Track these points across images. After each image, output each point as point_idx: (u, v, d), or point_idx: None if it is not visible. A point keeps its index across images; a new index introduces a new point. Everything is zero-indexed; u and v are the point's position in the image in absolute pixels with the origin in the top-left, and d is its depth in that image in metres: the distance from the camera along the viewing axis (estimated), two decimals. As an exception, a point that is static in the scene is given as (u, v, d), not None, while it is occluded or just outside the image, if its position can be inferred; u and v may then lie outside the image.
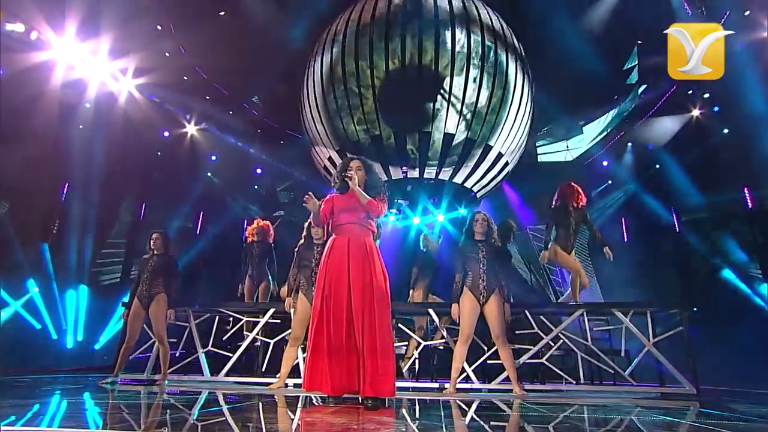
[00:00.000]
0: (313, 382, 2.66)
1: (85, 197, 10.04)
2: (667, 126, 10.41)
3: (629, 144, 11.01)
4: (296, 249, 4.28)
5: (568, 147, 12.12)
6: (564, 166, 11.98)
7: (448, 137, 9.00)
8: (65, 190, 10.19)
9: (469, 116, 9.03)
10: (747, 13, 7.92)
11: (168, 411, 2.74)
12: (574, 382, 4.41)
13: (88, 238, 10.01)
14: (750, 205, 9.65)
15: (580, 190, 4.97)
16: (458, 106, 8.98)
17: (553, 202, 5.03)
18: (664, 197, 10.46)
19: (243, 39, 9.95)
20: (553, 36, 10.20)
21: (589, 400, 3.76)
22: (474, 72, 9.00)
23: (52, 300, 9.43)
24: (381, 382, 2.57)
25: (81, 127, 10.14)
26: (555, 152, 12.49)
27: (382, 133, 9.30)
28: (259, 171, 13.01)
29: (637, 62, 10.59)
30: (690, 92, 9.83)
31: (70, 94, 9.49)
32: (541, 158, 12.39)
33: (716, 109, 9.73)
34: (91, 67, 9.48)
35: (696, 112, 10.13)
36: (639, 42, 10.08)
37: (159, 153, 11.46)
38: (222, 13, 9.91)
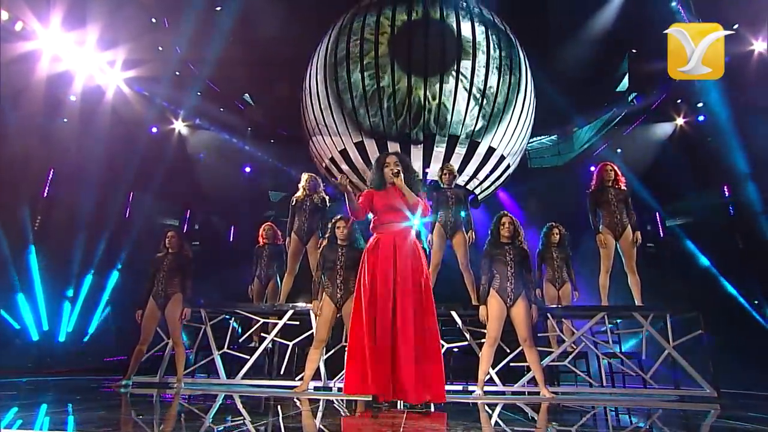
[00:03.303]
0: (353, 385, 2.59)
1: (68, 193, 9.71)
2: (655, 133, 10.71)
3: (618, 150, 11.27)
4: (319, 249, 4.20)
5: (559, 152, 12.36)
6: (554, 171, 12.19)
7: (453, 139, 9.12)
8: (48, 185, 9.83)
9: (485, 103, 9.22)
10: (735, 26, 8.21)
11: (184, 415, 2.65)
12: (589, 384, 4.46)
13: (72, 235, 9.66)
14: (732, 211, 10.04)
15: (617, 170, 4.83)
16: (476, 92, 9.17)
17: (591, 186, 4.89)
18: (651, 203, 10.73)
19: (238, 35, 9.79)
20: (548, 42, 10.39)
21: (609, 402, 3.81)
22: (493, 61, 9.26)
23: (33, 299, 9.06)
24: (431, 387, 2.53)
25: (65, 120, 9.80)
26: (545, 157, 12.71)
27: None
28: (248, 169, 12.81)
29: (627, 70, 10.88)
30: (679, 101, 10.14)
31: (55, 86, 9.15)
32: (531, 163, 12.58)
33: (701, 118, 10.07)
34: (78, 59, 9.13)
35: (680, 121, 10.48)
36: (633, 51, 10.36)
37: (146, 148, 11.14)
38: (218, 9, 9.73)
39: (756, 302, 9.20)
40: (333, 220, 4.11)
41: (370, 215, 2.94)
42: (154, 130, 11.15)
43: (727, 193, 9.96)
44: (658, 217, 11.08)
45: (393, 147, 9.15)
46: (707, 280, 9.53)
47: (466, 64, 9.16)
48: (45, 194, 9.77)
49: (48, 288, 9.27)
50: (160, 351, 4.55)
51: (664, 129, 10.64)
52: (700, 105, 9.83)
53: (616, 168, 4.86)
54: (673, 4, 8.53)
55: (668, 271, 10.19)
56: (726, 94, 8.60)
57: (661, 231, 11.21)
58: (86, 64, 9.30)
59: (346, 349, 2.74)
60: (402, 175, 2.81)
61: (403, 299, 2.60)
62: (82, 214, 9.68)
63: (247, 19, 9.85)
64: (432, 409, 2.58)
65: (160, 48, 9.89)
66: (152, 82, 10.00)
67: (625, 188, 4.85)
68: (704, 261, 9.76)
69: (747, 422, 2.62)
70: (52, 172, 9.87)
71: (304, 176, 5.24)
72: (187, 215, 11.96)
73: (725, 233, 9.85)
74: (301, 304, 4.55)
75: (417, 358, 2.51)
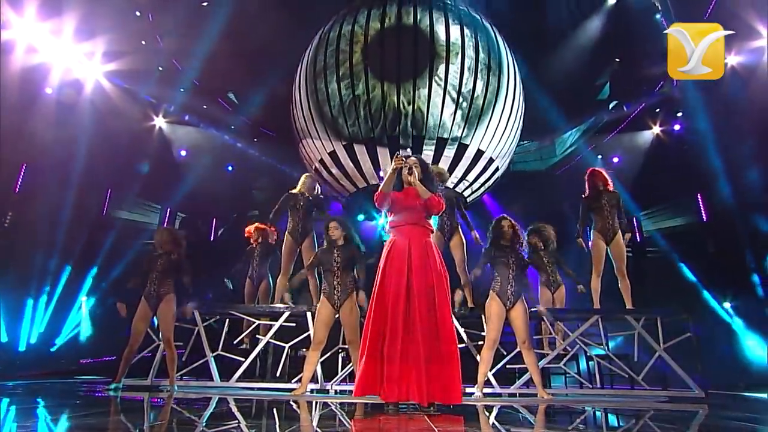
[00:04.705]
0: (366, 387, 2.58)
1: (43, 190, 9.34)
2: (634, 140, 11.03)
3: (599, 156, 11.53)
4: (316, 251, 4.16)
5: (542, 157, 12.59)
6: (536, 176, 12.40)
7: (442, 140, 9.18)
8: (20, 181, 9.44)
9: (464, 105, 9.25)
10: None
11: (176, 419, 2.58)
12: (580, 385, 4.53)
13: (46, 233, 9.30)
14: (705, 217, 10.41)
15: (606, 174, 4.94)
16: (453, 94, 9.20)
17: (586, 190, 4.95)
18: (629, 208, 11.00)
19: (224, 31, 9.61)
20: (532, 50, 10.57)
21: (600, 403, 3.87)
22: (469, 62, 9.29)
23: (3, 299, 8.68)
24: (448, 389, 2.53)
25: (40, 114, 9.43)
26: (527, 161, 12.90)
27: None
28: (230, 168, 12.60)
29: (609, 79, 11.19)
30: (658, 110, 10.47)
31: (30, 78, 8.80)
32: (513, 167, 12.74)
33: (678, 127, 10.43)
34: (55, 50, 8.80)
35: (658, 129, 10.83)
36: (616, 60, 10.66)
37: (125, 144, 10.83)
38: (205, 4, 9.54)
39: (727, 304, 9.56)
40: (326, 222, 4.06)
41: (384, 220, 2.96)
42: (134, 125, 10.84)
43: (701, 200, 10.33)
44: (635, 222, 11.38)
45: (382, 151, 9.19)
46: (683, 283, 9.84)
47: (440, 67, 9.22)
48: (17, 190, 9.39)
49: (18, 287, 8.90)
50: (150, 353, 4.42)
51: (643, 137, 10.97)
52: (679, 114, 10.18)
53: (603, 172, 4.98)
54: (657, 16, 8.81)
55: (646, 275, 10.48)
56: (702, 105, 8.90)
57: (638, 236, 11.53)
58: (63, 55, 8.97)
59: (363, 350, 2.69)
60: (416, 173, 2.83)
61: (415, 300, 2.61)
62: (57, 211, 9.33)
63: (234, 15, 9.68)
64: (436, 411, 2.56)
65: (143, 42, 9.63)
66: (134, 77, 9.73)
67: (616, 192, 4.96)
68: (680, 265, 10.07)
69: (738, 422, 2.69)
70: (24, 168, 9.49)
71: (303, 177, 5.21)
72: (167, 213, 11.67)
73: (699, 238, 10.20)
74: (281, 305, 4.48)
75: (428, 359, 2.51)
